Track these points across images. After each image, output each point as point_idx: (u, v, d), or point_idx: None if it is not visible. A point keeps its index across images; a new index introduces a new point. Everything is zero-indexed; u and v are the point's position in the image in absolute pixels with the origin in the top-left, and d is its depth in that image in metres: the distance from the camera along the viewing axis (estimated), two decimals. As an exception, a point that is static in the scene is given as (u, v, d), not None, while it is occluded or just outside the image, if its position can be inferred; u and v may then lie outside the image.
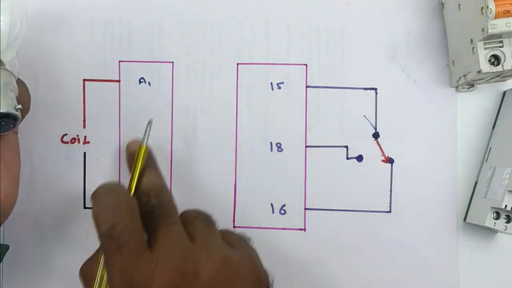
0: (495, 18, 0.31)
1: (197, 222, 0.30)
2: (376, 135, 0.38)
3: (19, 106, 0.30)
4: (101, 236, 0.29)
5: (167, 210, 0.30)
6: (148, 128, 0.34)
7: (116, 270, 0.28)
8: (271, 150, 0.38)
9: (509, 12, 0.31)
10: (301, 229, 0.38)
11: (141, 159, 0.33)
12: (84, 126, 0.39)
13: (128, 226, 0.28)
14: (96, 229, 0.29)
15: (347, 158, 0.38)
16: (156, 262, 0.27)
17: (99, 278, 0.29)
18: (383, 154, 0.38)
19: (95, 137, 0.38)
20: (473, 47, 0.33)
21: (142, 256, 0.28)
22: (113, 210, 0.29)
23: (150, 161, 0.34)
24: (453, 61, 0.37)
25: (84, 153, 0.38)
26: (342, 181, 0.38)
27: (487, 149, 0.37)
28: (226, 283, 0.28)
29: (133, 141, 0.36)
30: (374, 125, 0.38)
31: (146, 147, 0.34)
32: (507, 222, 0.34)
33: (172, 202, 0.31)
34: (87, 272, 0.30)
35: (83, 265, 0.31)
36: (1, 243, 0.38)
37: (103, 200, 0.30)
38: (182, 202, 0.32)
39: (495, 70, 0.33)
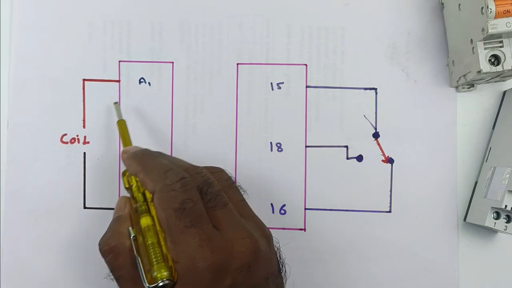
0: (495, 18, 0.31)
1: (232, 194, 0.31)
2: (376, 135, 0.38)
3: None
4: (173, 210, 0.27)
5: (217, 189, 0.29)
6: (116, 106, 0.37)
7: (190, 248, 0.27)
8: (271, 150, 0.38)
9: (509, 12, 0.31)
10: (301, 229, 0.38)
11: (126, 130, 0.36)
12: (84, 126, 0.39)
13: (198, 203, 0.28)
14: (161, 205, 0.28)
15: (347, 158, 0.38)
16: (230, 243, 0.27)
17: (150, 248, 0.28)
18: (383, 154, 0.38)
19: (95, 137, 0.38)
20: (473, 47, 0.33)
21: (214, 234, 0.27)
22: (181, 187, 0.28)
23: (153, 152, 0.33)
24: (453, 61, 0.37)
25: (84, 153, 0.38)
26: (342, 181, 0.38)
27: (487, 149, 0.38)
28: (267, 251, 0.29)
29: (126, 147, 0.35)
30: (374, 125, 0.38)
31: (124, 120, 0.36)
32: (507, 222, 0.34)
33: (213, 178, 0.30)
34: (113, 245, 0.29)
35: (104, 239, 0.29)
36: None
37: (169, 174, 0.29)
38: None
39: (495, 70, 0.33)
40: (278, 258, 0.31)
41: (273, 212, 0.38)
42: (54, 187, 0.38)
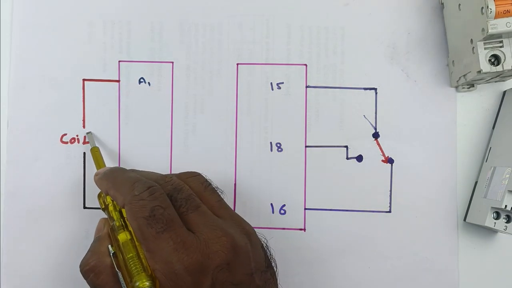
0: (495, 18, 0.31)
1: (208, 196, 0.31)
2: (376, 135, 0.38)
3: None
4: (144, 219, 0.28)
5: (187, 194, 0.30)
6: (90, 136, 0.38)
7: (165, 252, 0.27)
8: (271, 150, 0.38)
9: (509, 12, 0.31)
10: (301, 229, 0.38)
11: (100, 157, 0.37)
12: (84, 126, 0.39)
13: (168, 208, 0.28)
14: (132, 215, 0.28)
15: (347, 158, 0.38)
16: (206, 243, 0.28)
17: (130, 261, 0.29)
18: (383, 154, 0.38)
19: (95, 137, 0.38)
20: (473, 47, 0.33)
21: (189, 236, 0.28)
22: (149, 195, 0.29)
23: (123, 169, 0.34)
24: (453, 61, 0.37)
25: (84, 153, 0.38)
26: (342, 181, 0.38)
27: (487, 149, 0.38)
28: (248, 247, 0.29)
29: (98, 170, 0.35)
30: (374, 125, 0.38)
31: (97, 147, 0.37)
32: (507, 222, 0.34)
33: (184, 184, 0.31)
34: (93, 264, 0.29)
35: (84, 261, 0.30)
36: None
37: (137, 186, 0.29)
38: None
39: (495, 70, 0.33)
40: (268, 253, 0.31)
41: (273, 212, 0.38)
42: (54, 187, 0.38)
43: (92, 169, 0.38)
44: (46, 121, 0.38)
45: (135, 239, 0.29)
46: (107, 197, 0.33)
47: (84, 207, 0.38)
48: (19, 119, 0.39)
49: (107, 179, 0.32)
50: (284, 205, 0.38)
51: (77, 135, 0.39)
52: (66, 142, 0.39)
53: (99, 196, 0.34)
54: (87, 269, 0.29)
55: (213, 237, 0.28)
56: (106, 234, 0.31)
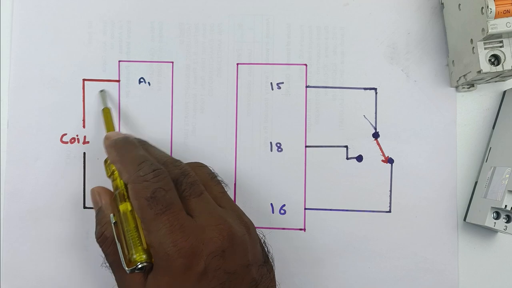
0: (495, 18, 0.31)
1: (213, 186, 0.32)
2: (376, 135, 0.38)
3: None
4: (145, 200, 0.28)
5: (193, 180, 0.30)
6: (103, 94, 0.38)
7: (161, 233, 0.28)
8: (271, 150, 0.38)
9: (509, 12, 0.31)
10: (301, 229, 0.38)
11: (110, 118, 0.37)
12: (84, 126, 0.39)
13: (170, 191, 0.29)
14: (134, 195, 0.29)
15: (347, 158, 0.38)
16: (202, 229, 0.28)
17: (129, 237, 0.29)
18: (383, 154, 0.38)
19: (95, 137, 0.38)
20: (473, 47, 0.33)
21: (187, 220, 0.28)
22: (153, 177, 0.29)
23: (139, 141, 0.34)
24: (453, 61, 0.37)
25: (84, 153, 0.38)
26: (342, 181, 0.38)
27: (487, 149, 0.37)
28: (246, 238, 0.30)
29: (108, 133, 0.36)
30: (374, 125, 0.38)
31: (109, 108, 0.37)
32: (507, 222, 0.34)
33: (191, 170, 0.32)
34: (103, 234, 0.31)
35: (96, 233, 0.31)
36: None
37: (143, 166, 0.30)
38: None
39: (495, 70, 0.33)
40: (266, 250, 0.31)
41: (273, 212, 0.38)
42: (54, 187, 0.38)
43: (92, 169, 0.38)
44: (46, 121, 0.38)
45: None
46: (112, 165, 0.33)
47: (84, 207, 0.38)
48: (19, 119, 0.39)
49: (116, 151, 0.32)
50: (284, 205, 0.38)
51: (77, 135, 0.39)
52: (66, 142, 0.39)
53: (106, 161, 0.34)
54: (100, 240, 0.31)
55: (211, 223, 0.28)
56: (107, 204, 0.32)
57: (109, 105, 0.37)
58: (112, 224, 0.30)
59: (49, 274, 0.38)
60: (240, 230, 0.29)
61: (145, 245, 0.28)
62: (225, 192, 0.32)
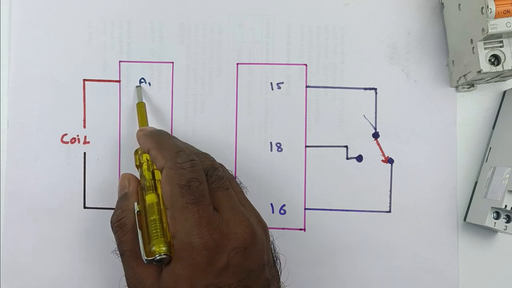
0: (495, 18, 0.31)
1: (234, 186, 0.32)
2: (376, 135, 0.38)
3: None
4: (178, 186, 0.29)
5: (222, 174, 0.31)
6: (138, 89, 0.38)
7: (189, 223, 0.28)
8: (271, 150, 0.38)
9: (509, 12, 0.31)
10: (301, 229, 0.38)
11: (144, 112, 0.37)
12: (84, 126, 0.39)
13: (203, 183, 0.29)
14: (168, 180, 0.29)
15: (347, 158, 0.38)
16: (228, 224, 0.28)
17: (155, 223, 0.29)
18: (383, 154, 0.38)
19: (95, 137, 0.38)
20: (473, 47, 0.33)
21: (214, 215, 0.28)
22: (190, 167, 0.29)
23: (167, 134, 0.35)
24: (453, 61, 0.37)
25: (84, 153, 0.38)
26: (342, 181, 0.38)
27: (487, 149, 0.37)
28: (263, 238, 0.30)
29: (142, 127, 0.36)
30: (374, 125, 0.38)
31: (144, 103, 0.37)
32: (507, 222, 0.34)
33: (220, 165, 0.32)
34: (122, 221, 0.31)
35: (114, 216, 0.31)
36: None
37: (181, 154, 0.30)
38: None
39: (495, 70, 0.33)
40: (273, 251, 0.32)
41: (273, 212, 0.38)
42: (54, 187, 0.38)
43: (92, 169, 0.38)
44: (46, 121, 0.38)
45: (161, 204, 0.30)
46: (144, 155, 0.33)
47: (84, 207, 0.38)
48: (19, 119, 0.39)
49: (152, 138, 0.33)
50: (284, 205, 0.38)
51: (77, 135, 0.39)
52: (67, 142, 0.39)
53: (136, 152, 0.34)
54: (116, 225, 0.31)
55: (235, 219, 0.29)
56: (134, 191, 0.32)
57: (144, 100, 0.38)
58: (136, 212, 0.30)
59: (49, 274, 0.38)
60: (259, 230, 0.30)
61: (167, 237, 0.28)
62: (243, 194, 0.32)
